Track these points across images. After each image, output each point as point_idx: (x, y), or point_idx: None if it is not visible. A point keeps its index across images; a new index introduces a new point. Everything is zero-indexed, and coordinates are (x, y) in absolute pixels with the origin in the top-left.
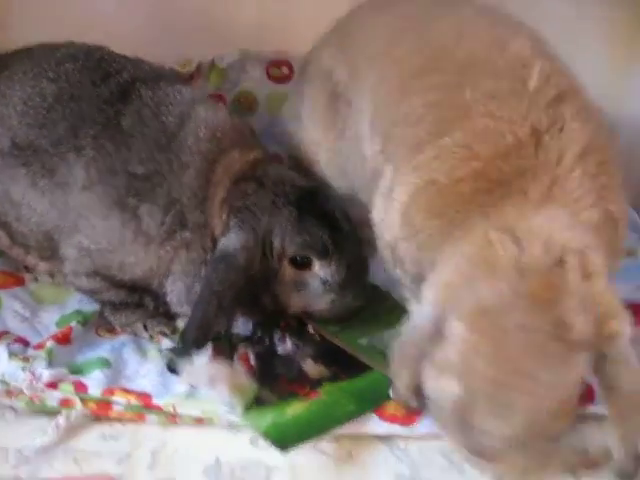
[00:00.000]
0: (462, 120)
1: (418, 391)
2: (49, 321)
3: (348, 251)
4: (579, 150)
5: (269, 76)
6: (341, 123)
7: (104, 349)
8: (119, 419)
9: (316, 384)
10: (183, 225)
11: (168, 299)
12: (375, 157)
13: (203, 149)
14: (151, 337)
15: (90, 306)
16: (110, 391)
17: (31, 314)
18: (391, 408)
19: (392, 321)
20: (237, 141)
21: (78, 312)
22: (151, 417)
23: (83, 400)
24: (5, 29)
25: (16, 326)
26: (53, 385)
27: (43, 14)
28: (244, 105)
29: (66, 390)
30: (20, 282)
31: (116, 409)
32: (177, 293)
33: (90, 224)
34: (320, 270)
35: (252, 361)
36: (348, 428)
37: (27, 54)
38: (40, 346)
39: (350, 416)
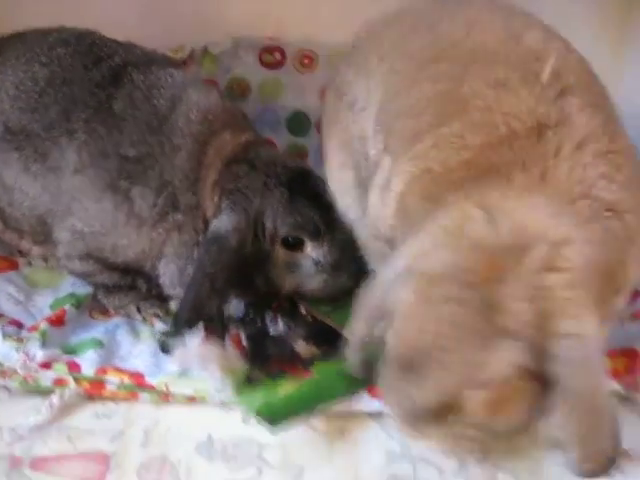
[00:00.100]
0: (461, 112)
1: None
2: (43, 304)
3: (340, 232)
4: (577, 141)
5: (262, 62)
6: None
7: (97, 331)
8: (112, 398)
9: (308, 364)
10: (175, 207)
11: (161, 281)
12: (378, 154)
13: (194, 131)
14: (144, 319)
15: (84, 289)
16: (103, 370)
17: (25, 297)
18: None
19: None
20: (229, 123)
21: (72, 295)
22: (144, 396)
23: (76, 379)
24: None
25: (10, 309)
26: (47, 365)
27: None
28: (237, 91)
29: (60, 370)
30: (14, 266)
31: (109, 388)
32: (170, 275)
33: (83, 207)
34: (312, 251)
35: (244, 342)
36: (339, 405)
37: (19, 39)
38: (34, 328)
39: (341, 395)
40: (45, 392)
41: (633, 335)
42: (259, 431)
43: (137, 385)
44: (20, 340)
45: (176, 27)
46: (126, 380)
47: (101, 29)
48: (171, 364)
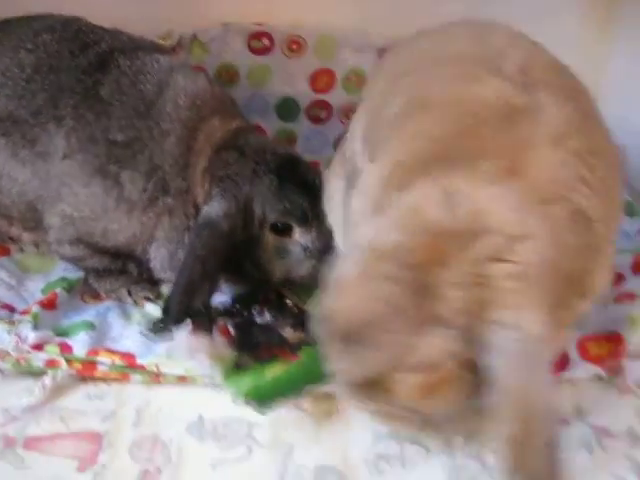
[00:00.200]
0: (430, 108)
1: None
2: (35, 289)
3: None
4: (553, 136)
5: (250, 48)
6: None
7: (89, 313)
8: (104, 379)
9: (296, 348)
10: (165, 191)
11: (151, 265)
12: (363, 165)
13: (183, 117)
14: (135, 302)
15: (75, 273)
16: (95, 351)
17: (17, 282)
18: None
19: None
20: (217, 109)
21: (63, 279)
22: (135, 377)
23: (68, 361)
24: None
25: (2, 294)
26: (39, 347)
27: None
28: (225, 78)
29: (52, 351)
30: (6, 252)
31: (101, 369)
32: (160, 259)
33: (72, 192)
34: (301, 237)
35: (231, 331)
36: (328, 386)
37: (4, 26)
38: (26, 312)
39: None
40: (37, 373)
41: (617, 319)
42: (249, 411)
43: (128, 366)
44: (12, 323)
45: (164, 14)
46: (117, 361)
47: (88, 16)
48: (161, 346)
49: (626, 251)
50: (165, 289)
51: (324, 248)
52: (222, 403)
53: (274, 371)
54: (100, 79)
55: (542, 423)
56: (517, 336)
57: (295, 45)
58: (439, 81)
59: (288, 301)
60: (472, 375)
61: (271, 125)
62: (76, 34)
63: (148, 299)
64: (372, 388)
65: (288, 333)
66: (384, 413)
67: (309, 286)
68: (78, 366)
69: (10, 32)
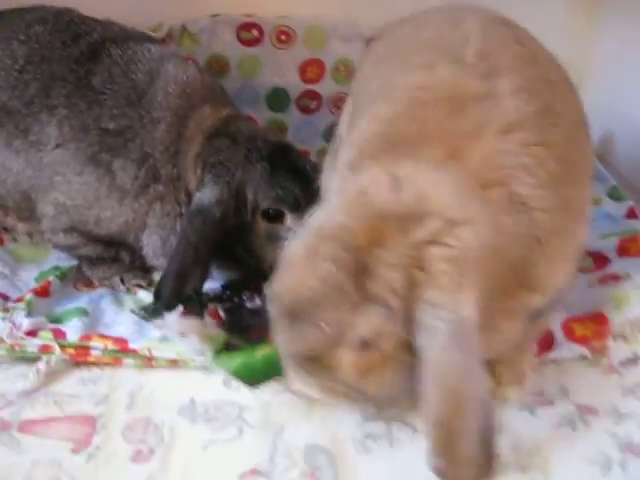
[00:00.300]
0: (387, 94)
1: None
2: (28, 278)
3: None
4: (502, 125)
5: (240, 39)
6: None
7: (82, 301)
8: (97, 363)
9: None
10: (156, 179)
11: (144, 252)
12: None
13: (173, 105)
14: (128, 290)
15: (68, 262)
16: (88, 337)
17: (11, 272)
18: None
19: None
20: (208, 97)
21: (56, 268)
22: (128, 361)
23: (62, 346)
24: None
25: None
26: (33, 333)
27: None
28: (216, 69)
29: (45, 337)
30: None
31: (94, 354)
32: (152, 246)
33: (65, 180)
34: (292, 223)
35: (222, 315)
36: None
37: None
38: (20, 299)
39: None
40: (32, 359)
41: (602, 300)
42: (240, 394)
43: (121, 350)
44: (6, 310)
45: (153, 6)
46: (110, 345)
47: (79, 7)
48: (154, 331)
49: (612, 234)
50: (157, 277)
51: None
52: (214, 386)
53: (264, 350)
54: (92, 69)
55: (471, 408)
56: (448, 317)
57: (284, 36)
58: (403, 68)
59: None
60: (409, 356)
61: (262, 115)
62: (68, 25)
63: (140, 286)
64: (315, 364)
65: None
66: (327, 389)
67: None
68: (71, 351)
69: (3, 24)
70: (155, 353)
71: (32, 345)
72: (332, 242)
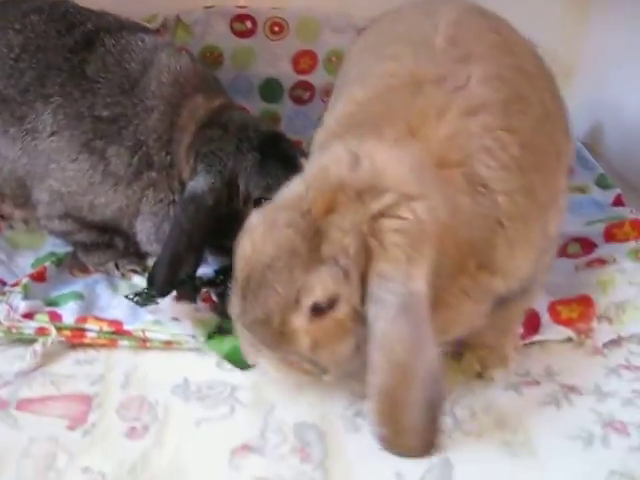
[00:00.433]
0: (363, 79)
1: None
2: (25, 264)
3: None
4: (467, 108)
5: (233, 31)
6: None
7: (78, 285)
8: (93, 345)
9: None
10: (149, 166)
11: (138, 238)
12: None
13: (166, 94)
14: (122, 275)
15: (63, 249)
16: (83, 319)
17: (7, 258)
18: None
19: None
20: (200, 87)
21: (52, 254)
22: (123, 342)
23: (58, 328)
24: None
25: None
26: (29, 316)
27: None
28: (210, 60)
29: (41, 320)
30: None
31: (89, 336)
32: (146, 232)
33: (60, 167)
34: None
35: (214, 299)
36: None
37: None
38: (16, 284)
39: None
40: (28, 341)
41: (588, 283)
42: (232, 375)
43: (116, 332)
44: (3, 294)
45: None
46: (105, 327)
47: None
48: (148, 315)
49: (599, 221)
50: (151, 262)
51: None
52: (207, 367)
53: None
54: (86, 58)
55: (418, 379)
56: (398, 290)
57: (277, 27)
58: (377, 58)
59: None
60: (362, 328)
61: (255, 106)
62: (63, 15)
63: (135, 272)
64: (271, 332)
65: None
66: (283, 361)
67: None
68: (67, 333)
69: None
70: (149, 335)
71: (29, 327)
72: (289, 211)
